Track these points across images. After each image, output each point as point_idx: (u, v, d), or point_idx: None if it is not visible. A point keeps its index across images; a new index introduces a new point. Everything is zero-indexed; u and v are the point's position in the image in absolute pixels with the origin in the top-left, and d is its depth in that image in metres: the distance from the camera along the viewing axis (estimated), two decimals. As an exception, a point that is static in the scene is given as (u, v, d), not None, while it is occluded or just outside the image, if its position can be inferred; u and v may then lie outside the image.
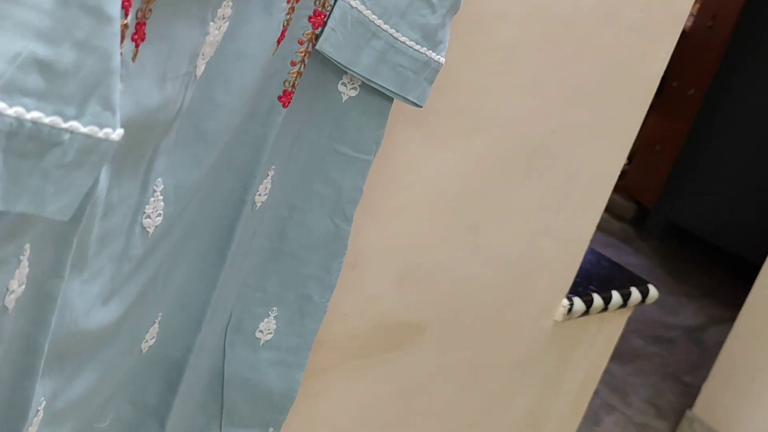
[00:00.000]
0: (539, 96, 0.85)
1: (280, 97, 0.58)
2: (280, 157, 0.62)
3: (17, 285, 0.39)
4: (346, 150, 0.64)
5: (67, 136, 0.32)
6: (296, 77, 0.58)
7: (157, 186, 0.50)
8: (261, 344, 0.70)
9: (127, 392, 0.64)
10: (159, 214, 0.51)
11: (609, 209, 5.21)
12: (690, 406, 2.71)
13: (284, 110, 0.58)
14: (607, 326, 1.26)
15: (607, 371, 3.11)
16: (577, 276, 1.21)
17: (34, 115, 0.31)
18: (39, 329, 0.43)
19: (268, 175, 0.61)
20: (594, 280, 1.23)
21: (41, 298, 0.42)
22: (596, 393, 2.92)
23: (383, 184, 0.75)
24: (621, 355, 3.30)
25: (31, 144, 0.31)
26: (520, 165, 0.88)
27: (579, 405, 1.35)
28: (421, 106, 0.62)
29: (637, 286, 1.26)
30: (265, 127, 0.58)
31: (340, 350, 0.82)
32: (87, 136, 0.33)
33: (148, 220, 0.51)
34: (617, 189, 4.11)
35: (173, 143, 0.50)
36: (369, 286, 0.80)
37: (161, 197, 0.51)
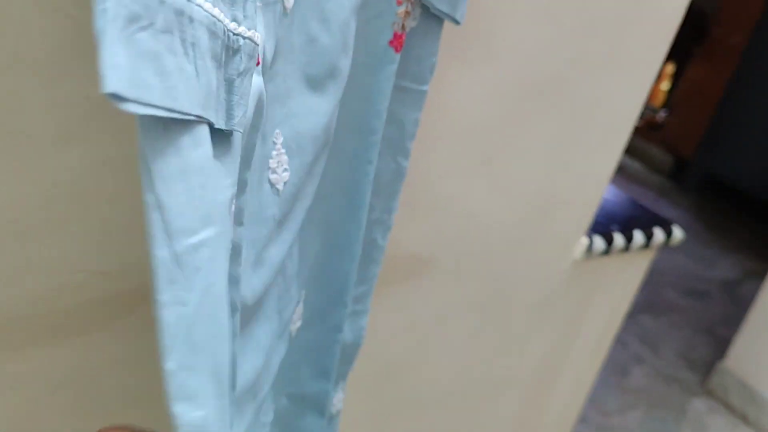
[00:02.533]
0: (556, 24, 0.83)
1: (390, 42, 0.54)
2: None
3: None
4: (407, 84, 0.61)
5: (242, 42, 0.32)
6: (405, 17, 0.55)
7: (276, 138, 0.47)
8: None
9: (282, 383, 0.63)
10: (285, 169, 0.48)
11: (646, 162, 5.16)
12: (721, 358, 2.69)
13: (398, 56, 0.55)
14: (630, 268, 1.25)
15: (638, 323, 3.11)
16: (599, 216, 1.19)
17: (227, 22, 0.31)
18: (230, 285, 0.41)
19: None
20: (616, 220, 1.21)
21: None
22: (626, 345, 2.92)
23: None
24: (653, 307, 3.27)
25: (224, 52, 0.31)
26: (536, 96, 0.86)
27: (600, 349, 1.34)
28: (461, 23, 0.60)
29: (661, 226, 1.23)
30: (379, 77, 0.54)
31: (350, 280, 0.82)
32: (252, 41, 0.33)
33: (275, 175, 0.47)
34: (654, 141, 4.05)
35: (284, 91, 0.47)
36: (378, 215, 0.80)
37: (283, 150, 0.48)
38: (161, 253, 0.29)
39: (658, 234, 1.22)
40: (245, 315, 0.48)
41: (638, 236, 1.18)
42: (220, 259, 0.32)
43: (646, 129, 5.23)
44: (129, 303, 0.62)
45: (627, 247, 1.17)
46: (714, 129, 4.52)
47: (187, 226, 0.30)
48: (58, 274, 0.57)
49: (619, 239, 1.15)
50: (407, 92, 0.61)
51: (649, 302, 3.31)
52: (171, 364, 0.31)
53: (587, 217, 1.08)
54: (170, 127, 0.28)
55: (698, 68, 4.78)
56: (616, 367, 2.79)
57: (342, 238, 0.60)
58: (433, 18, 0.59)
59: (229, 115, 0.33)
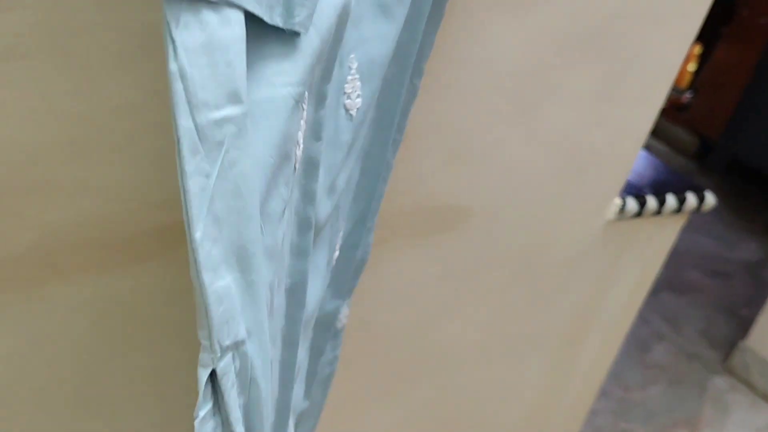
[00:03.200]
0: (599, -25, 0.82)
1: None
2: None
3: (301, 140, 0.38)
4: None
5: None
6: None
7: (351, 63, 0.47)
8: None
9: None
10: (358, 95, 0.49)
11: (671, 143, 5.11)
12: (743, 338, 2.68)
13: None
14: (661, 231, 1.24)
15: (660, 301, 3.10)
16: (633, 178, 1.19)
17: None
18: (306, 201, 0.42)
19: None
20: (650, 183, 1.20)
21: (306, 163, 0.41)
22: (648, 322, 2.92)
23: (433, 58, 0.74)
24: (676, 286, 3.26)
25: None
26: (576, 48, 0.86)
27: (628, 313, 1.34)
28: None
29: (694, 191, 1.23)
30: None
31: (385, 227, 0.82)
32: None
33: (350, 101, 0.48)
34: (680, 122, 4.00)
35: (357, 15, 0.47)
36: (416, 163, 0.80)
37: (357, 75, 0.48)
38: (185, 123, 0.31)
39: (691, 199, 1.22)
40: (316, 235, 0.49)
41: (671, 200, 1.18)
42: (246, 139, 0.33)
43: (672, 110, 5.18)
44: (180, 235, 0.63)
45: (659, 211, 1.17)
46: (740, 111, 4.47)
47: (210, 100, 0.31)
48: (112, 201, 0.58)
49: (652, 202, 1.15)
50: (431, 15, 0.59)
51: (671, 281, 3.30)
52: (197, 233, 0.32)
53: (622, 177, 1.08)
54: (196, 3, 0.29)
55: (726, 49, 4.72)
56: (638, 343, 2.79)
57: (370, 159, 0.60)
58: None
59: (288, 13, 0.33)
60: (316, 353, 0.69)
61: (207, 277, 0.33)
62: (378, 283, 0.87)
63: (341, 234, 0.60)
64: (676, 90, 5.37)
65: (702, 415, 2.46)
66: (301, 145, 0.39)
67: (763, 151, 4.36)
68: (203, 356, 0.34)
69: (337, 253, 0.62)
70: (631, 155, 1.07)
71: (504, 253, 1.00)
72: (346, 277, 0.67)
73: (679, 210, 1.20)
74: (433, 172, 0.82)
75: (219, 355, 0.34)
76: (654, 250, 1.27)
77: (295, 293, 0.44)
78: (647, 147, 4.95)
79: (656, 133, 5.26)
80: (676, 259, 3.49)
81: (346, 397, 0.95)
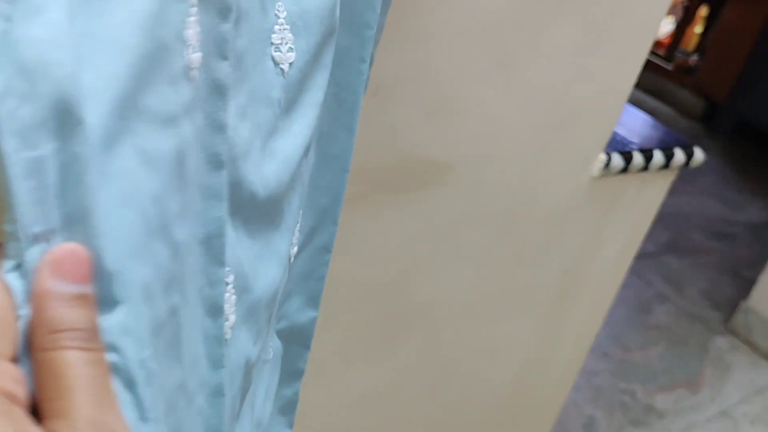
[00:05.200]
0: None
1: None
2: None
3: (194, 44, 0.33)
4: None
5: None
6: None
7: (279, 11, 0.43)
8: None
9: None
10: (290, 48, 0.44)
11: (677, 106, 5.09)
12: (745, 298, 2.68)
13: None
14: (649, 188, 1.24)
15: (662, 263, 3.11)
16: (619, 134, 1.18)
17: None
18: (213, 131, 0.36)
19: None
20: (637, 138, 1.20)
21: (210, 86, 0.35)
22: (650, 283, 2.92)
23: (407, 7, 0.74)
24: (679, 248, 3.26)
25: None
26: (555, 0, 0.86)
27: (617, 272, 1.35)
28: None
29: (683, 147, 1.23)
30: None
31: (364, 182, 0.83)
32: None
33: (279, 53, 0.43)
34: (686, 85, 3.99)
35: None
36: (392, 116, 0.80)
37: (287, 26, 0.43)
38: None
39: (679, 155, 1.21)
40: (257, 211, 0.44)
41: (658, 156, 1.18)
42: None
43: (679, 72, 5.14)
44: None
45: (646, 167, 1.16)
46: (747, 73, 4.44)
47: None
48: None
49: (638, 157, 1.15)
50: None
51: (674, 243, 3.30)
52: None
53: (606, 132, 1.08)
54: None
55: (733, 11, 4.67)
56: (640, 304, 2.79)
57: (333, 146, 0.55)
58: None
59: None
60: (289, 369, 0.63)
61: (11, 143, 0.26)
62: (356, 240, 0.88)
63: (299, 227, 0.54)
64: (682, 52, 5.32)
65: (702, 375, 2.47)
66: (198, 55, 0.34)
67: (769, 113, 4.34)
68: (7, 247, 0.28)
69: (295, 249, 0.56)
70: (615, 110, 1.06)
71: (487, 210, 1.00)
72: (318, 284, 0.60)
73: (666, 166, 1.20)
74: (411, 126, 0.82)
75: (25, 245, 0.28)
76: (642, 207, 1.26)
77: (212, 247, 0.38)
78: (653, 110, 4.92)
79: (663, 95, 5.22)
80: (680, 221, 3.48)
81: (329, 355, 0.96)
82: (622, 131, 1.21)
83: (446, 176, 0.91)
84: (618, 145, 1.15)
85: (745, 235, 3.55)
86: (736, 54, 4.49)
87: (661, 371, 2.46)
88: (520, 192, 1.03)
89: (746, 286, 2.95)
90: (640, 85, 5.27)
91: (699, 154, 1.25)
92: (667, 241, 3.29)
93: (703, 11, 5.28)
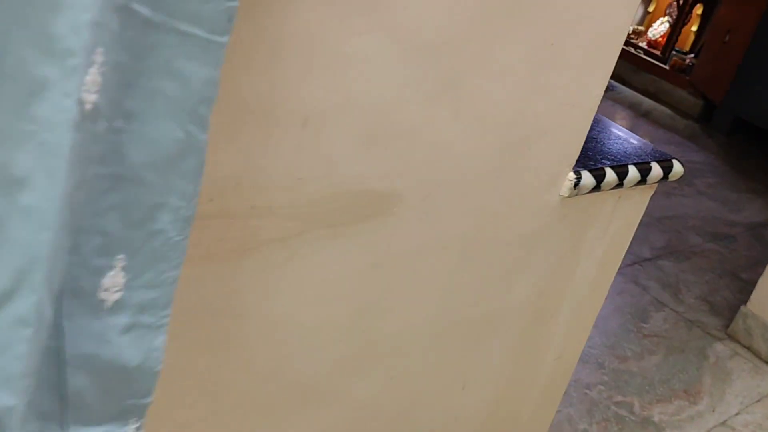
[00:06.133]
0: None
1: None
2: (106, 37, 0.45)
3: None
4: (191, 29, 0.49)
5: None
6: None
7: None
8: (107, 307, 0.54)
9: None
10: None
11: (673, 105, 5.03)
12: (745, 302, 2.61)
13: None
14: (626, 204, 1.18)
15: (659, 268, 3.04)
16: (590, 150, 1.12)
17: None
18: None
19: (94, 62, 0.44)
20: (610, 154, 1.14)
21: None
22: (646, 289, 2.86)
23: (331, 25, 0.68)
24: (676, 252, 3.19)
25: None
26: (504, 11, 0.79)
27: (599, 288, 1.28)
28: None
29: (658, 161, 1.16)
30: None
31: (300, 218, 0.76)
32: None
33: None
34: (682, 84, 3.95)
35: None
36: (326, 146, 0.74)
37: None
38: None
39: (656, 169, 1.15)
40: None
41: (633, 171, 1.11)
42: None
43: (674, 72, 5.08)
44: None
45: (620, 183, 1.10)
46: (745, 71, 4.38)
47: None
48: None
49: (611, 174, 1.08)
50: (194, 41, 0.49)
51: (671, 247, 3.23)
52: None
53: (573, 149, 1.02)
54: None
55: (728, 9, 4.61)
56: (635, 312, 2.72)
57: (30, 195, 0.45)
58: None
59: None
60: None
61: None
62: (297, 281, 0.81)
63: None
64: (678, 52, 5.26)
65: (702, 383, 2.40)
66: None
67: (767, 111, 4.27)
68: None
69: None
70: (582, 125, 1.00)
71: (445, 236, 0.94)
72: (14, 363, 0.48)
73: (643, 181, 1.14)
74: (346, 155, 0.76)
75: None
76: (621, 223, 1.20)
77: None
78: (650, 110, 4.86)
79: (659, 96, 5.16)
80: (676, 223, 3.41)
81: (278, 401, 0.90)
82: (595, 146, 1.15)
83: (395, 205, 0.85)
84: (589, 162, 1.08)
85: (744, 236, 3.47)
86: (731, 52, 4.43)
87: (659, 381, 2.39)
88: (480, 216, 0.96)
89: (746, 289, 2.88)
90: (636, 86, 5.22)
91: (678, 167, 1.19)
92: (664, 244, 3.22)
93: (698, 9, 5.22)
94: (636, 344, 2.54)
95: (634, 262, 2.98)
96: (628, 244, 1.25)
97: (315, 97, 0.70)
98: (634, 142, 1.21)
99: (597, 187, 1.07)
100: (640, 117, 4.78)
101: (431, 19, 0.74)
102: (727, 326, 2.69)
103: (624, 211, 1.18)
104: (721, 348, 2.60)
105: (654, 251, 3.15)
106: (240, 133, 0.68)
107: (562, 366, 1.36)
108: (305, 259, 0.80)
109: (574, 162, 1.03)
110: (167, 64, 0.49)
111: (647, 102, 5.02)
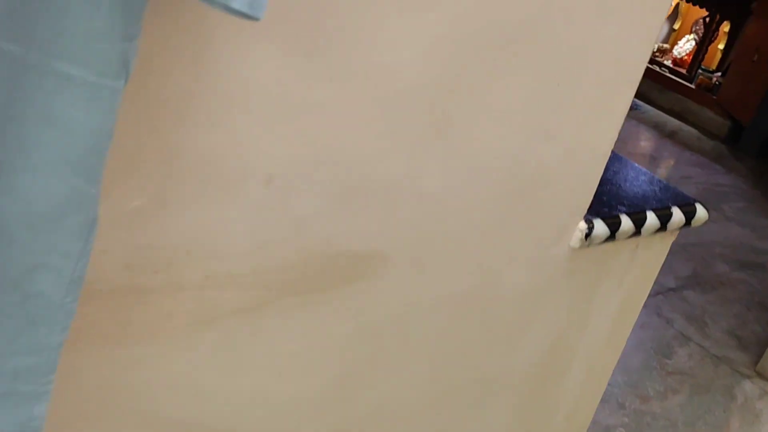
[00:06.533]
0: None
1: None
2: None
3: None
4: (74, 71, 0.42)
5: None
6: None
7: None
8: None
9: None
10: None
11: (700, 126, 4.91)
12: (776, 337, 2.49)
13: None
14: (645, 254, 1.07)
15: (684, 299, 2.91)
16: (604, 194, 1.02)
17: None
18: None
19: None
20: (627, 199, 1.03)
21: None
22: (670, 323, 2.73)
23: (295, 71, 0.58)
24: (701, 282, 3.06)
25: None
26: (498, 50, 0.70)
27: (616, 340, 1.18)
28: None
29: (680, 205, 1.05)
30: None
31: (265, 286, 0.67)
32: None
33: None
34: (709, 104, 3.82)
35: None
36: (294, 206, 0.64)
37: None
38: None
39: (677, 215, 1.04)
40: None
41: (651, 218, 1.01)
42: None
43: (701, 91, 4.95)
44: None
45: (638, 232, 0.99)
46: (773, 89, 4.25)
47: None
48: None
49: (627, 222, 0.98)
50: (79, 84, 0.43)
51: (696, 276, 3.10)
52: None
53: (584, 197, 0.91)
54: None
55: (756, 27, 4.49)
56: (659, 347, 2.60)
57: None
58: None
59: None
60: None
61: None
62: (266, 352, 0.72)
63: None
64: (705, 70, 5.13)
65: (729, 427, 2.27)
66: None
67: (797, 132, 4.14)
68: None
69: None
70: (594, 171, 0.90)
71: (437, 298, 0.84)
72: None
73: (663, 228, 1.03)
74: (319, 215, 0.67)
75: None
76: (638, 273, 1.09)
77: None
78: (674, 131, 4.73)
79: (685, 116, 5.02)
80: (702, 250, 3.28)
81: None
82: (610, 189, 1.04)
83: (378, 268, 0.75)
84: (603, 208, 0.98)
85: (774, 265, 3.34)
86: (761, 71, 4.30)
87: (683, 423, 2.26)
88: (478, 274, 0.86)
89: (776, 322, 2.75)
90: (661, 105, 5.09)
91: (702, 212, 1.08)
92: (689, 273, 3.09)
93: (725, 27, 5.10)
94: (659, 382, 2.41)
95: (657, 293, 2.86)
96: (646, 296, 1.15)
97: (279, 151, 0.61)
98: (654, 183, 1.11)
99: (611, 237, 0.96)
100: (665, 137, 4.65)
101: (411, 58, 0.64)
102: (756, 362, 2.56)
103: (642, 260, 1.07)
104: (749, 387, 2.47)
105: (678, 281, 3.02)
106: (192, 195, 0.59)
107: (575, 422, 1.25)
108: (272, 332, 0.70)
109: (585, 210, 0.93)
110: (44, 109, 0.42)
111: (672, 122, 4.89)
